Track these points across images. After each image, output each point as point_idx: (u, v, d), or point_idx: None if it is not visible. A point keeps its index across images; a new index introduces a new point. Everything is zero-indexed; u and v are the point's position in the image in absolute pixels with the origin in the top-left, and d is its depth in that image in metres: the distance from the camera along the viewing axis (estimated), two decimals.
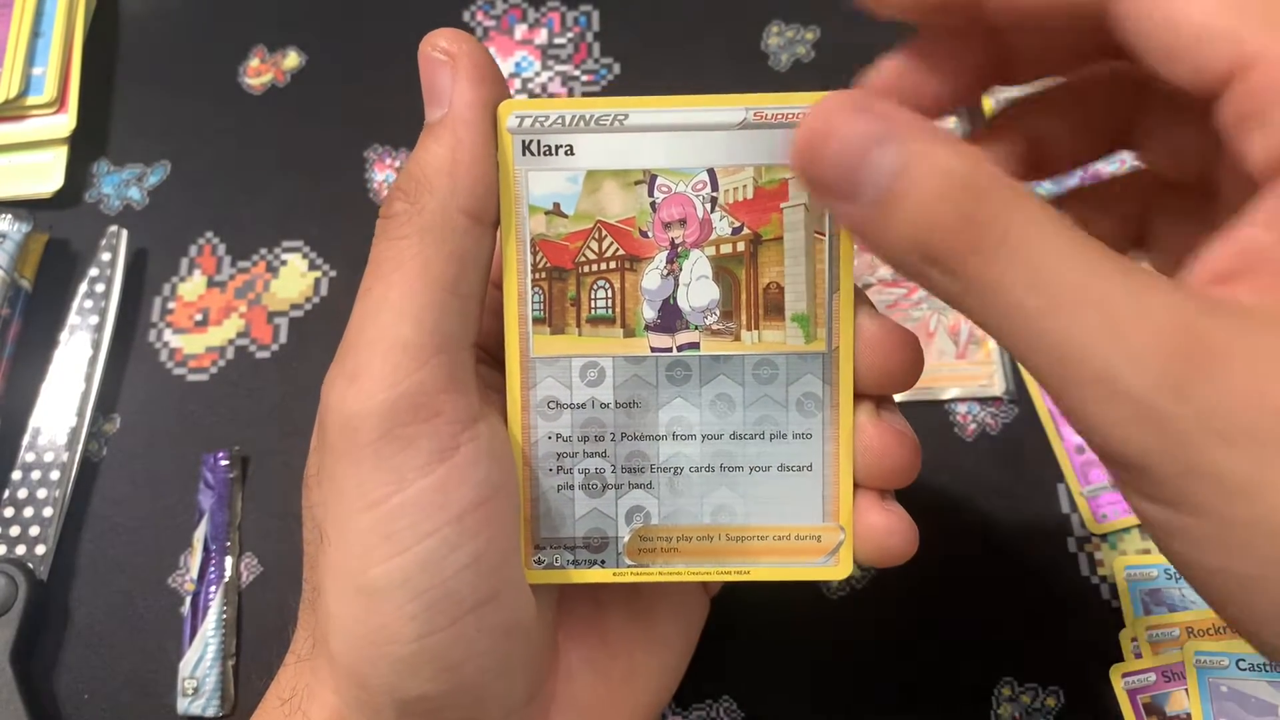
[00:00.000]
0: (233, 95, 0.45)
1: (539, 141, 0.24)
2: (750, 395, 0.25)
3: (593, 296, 0.25)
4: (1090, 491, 0.37)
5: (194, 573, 0.37)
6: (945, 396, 0.39)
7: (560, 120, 0.24)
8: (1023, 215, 0.19)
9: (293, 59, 0.46)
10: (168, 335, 0.41)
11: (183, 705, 0.35)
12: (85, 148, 0.44)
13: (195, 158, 0.44)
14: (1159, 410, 0.18)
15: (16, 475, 0.38)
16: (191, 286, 0.42)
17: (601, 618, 0.29)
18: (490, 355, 0.27)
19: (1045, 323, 0.19)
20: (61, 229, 0.43)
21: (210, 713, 0.35)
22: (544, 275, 0.25)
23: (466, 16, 0.46)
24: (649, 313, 0.25)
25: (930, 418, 0.39)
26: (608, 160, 0.24)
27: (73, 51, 0.45)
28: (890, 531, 0.25)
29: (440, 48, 0.24)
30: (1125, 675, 0.34)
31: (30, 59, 0.44)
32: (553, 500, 0.25)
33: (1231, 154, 0.20)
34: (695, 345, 0.25)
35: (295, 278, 0.42)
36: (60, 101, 0.44)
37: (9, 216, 0.41)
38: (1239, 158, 0.19)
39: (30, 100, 0.43)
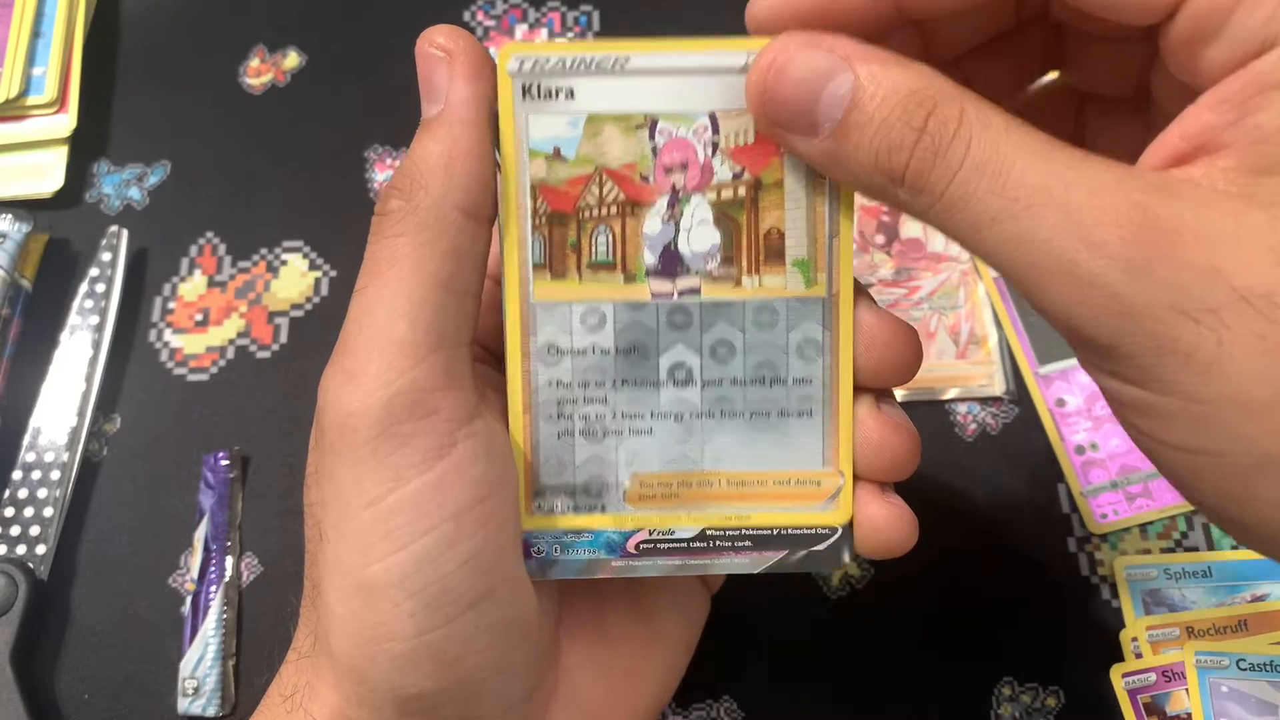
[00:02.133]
0: (233, 95, 0.45)
1: (539, 85, 0.24)
2: (751, 341, 0.25)
3: (594, 242, 0.24)
4: (1090, 491, 0.37)
5: (194, 573, 0.37)
6: (945, 396, 0.39)
7: (560, 64, 0.23)
8: (979, 123, 0.20)
9: (293, 59, 0.46)
10: (168, 335, 0.41)
11: (183, 705, 0.35)
12: (85, 148, 0.44)
13: (195, 158, 0.44)
14: (1122, 292, 0.19)
15: (16, 475, 0.38)
16: (192, 286, 0.42)
17: (602, 615, 0.29)
18: (489, 353, 0.27)
19: (1009, 225, 0.19)
20: (62, 229, 0.43)
21: (210, 713, 0.35)
22: (544, 221, 0.24)
23: (467, 16, 0.46)
24: (650, 258, 0.24)
25: (930, 418, 0.39)
26: (609, 104, 0.24)
27: (73, 51, 0.45)
28: (891, 522, 0.25)
29: (437, 44, 0.24)
30: (1125, 675, 0.34)
31: (30, 59, 0.44)
32: (553, 446, 0.25)
33: (1177, 69, 0.21)
34: (696, 291, 0.25)
35: (295, 278, 0.42)
36: (60, 101, 0.44)
37: (9, 216, 0.41)
38: (1188, 73, 0.20)
39: (30, 100, 0.43)
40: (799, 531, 0.25)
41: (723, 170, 0.24)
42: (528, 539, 0.26)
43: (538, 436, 0.25)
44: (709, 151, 0.24)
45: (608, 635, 0.29)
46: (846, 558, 0.25)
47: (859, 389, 0.25)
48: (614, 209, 0.24)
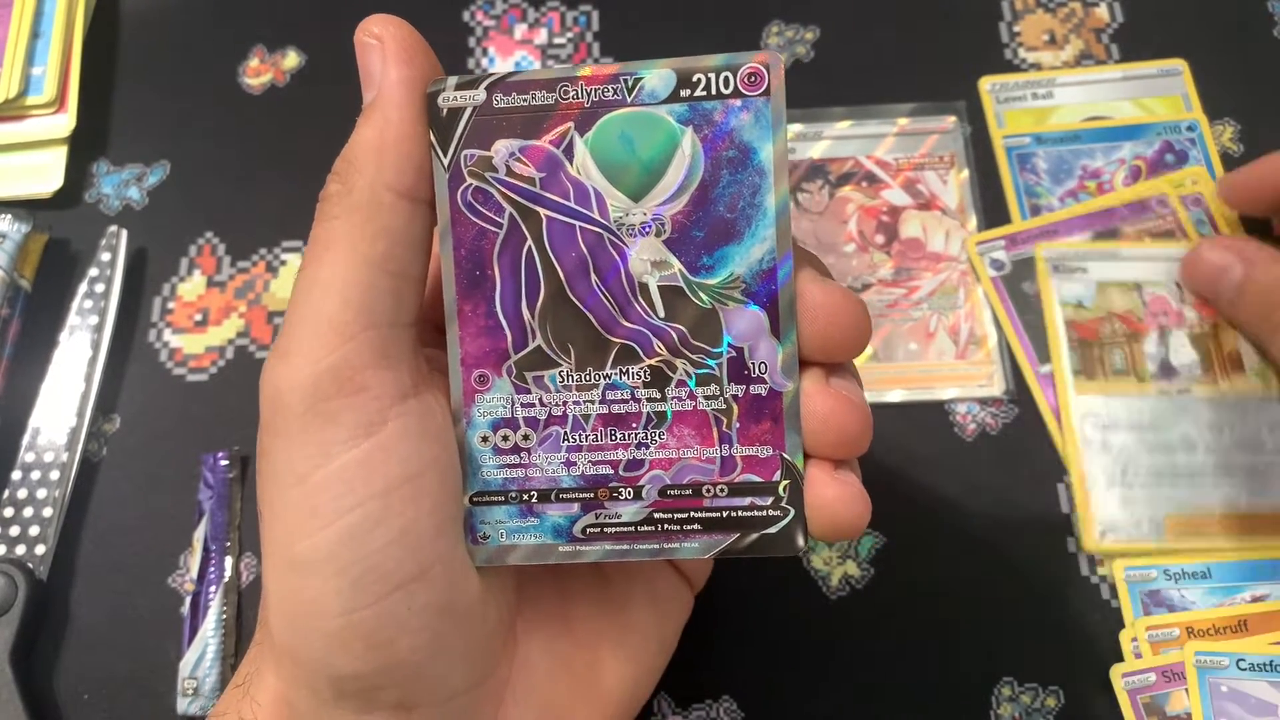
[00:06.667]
0: (233, 95, 0.45)
1: (1063, 265, 0.39)
2: (1236, 421, 0.38)
3: (1112, 357, 0.39)
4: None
5: (194, 573, 0.37)
6: (945, 396, 0.39)
7: (1076, 254, 0.36)
8: None
9: (293, 59, 0.46)
10: (167, 335, 0.41)
11: (183, 705, 0.35)
12: (85, 148, 0.44)
13: (195, 158, 0.44)
14: None
15: (16, 475, 0.38)
16: (191, 286, 0.42)
17: (567, 606, 0.28)
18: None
19: None
20: (61, 229, 0.43)
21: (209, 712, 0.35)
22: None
23: (466, 16, 0.46)
24: (1152, 367, 0.39)
25: (930, 418, 0.39)
26: (1112, 276, 0.39)
27: (73, 51, 0.45)
28: (840, 501, 0.24)
29: (371, 33, 0.24)
30: (1125, 675, 0.34)
31: (30, 59, 0.44)
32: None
33: None
34: (1188, 390, 0.38)
35: (295, 277, 0.42)
36: (60, 101, 0.44)
37: (9, 216, 0.41)
38: None
39: (30, 100, 0.43)
40: (750, 514, 0.25)
41: (1190, 315, 0.38)
42: (472, 524, 0.25)
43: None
44: (1179, 303, 0.39)
45: (572, 628, 0.28)
46: (801, 542, 0.25)
47: (806, 363, 0.25)
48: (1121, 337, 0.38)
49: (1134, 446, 0.37)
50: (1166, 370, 0.38)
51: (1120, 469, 0.37)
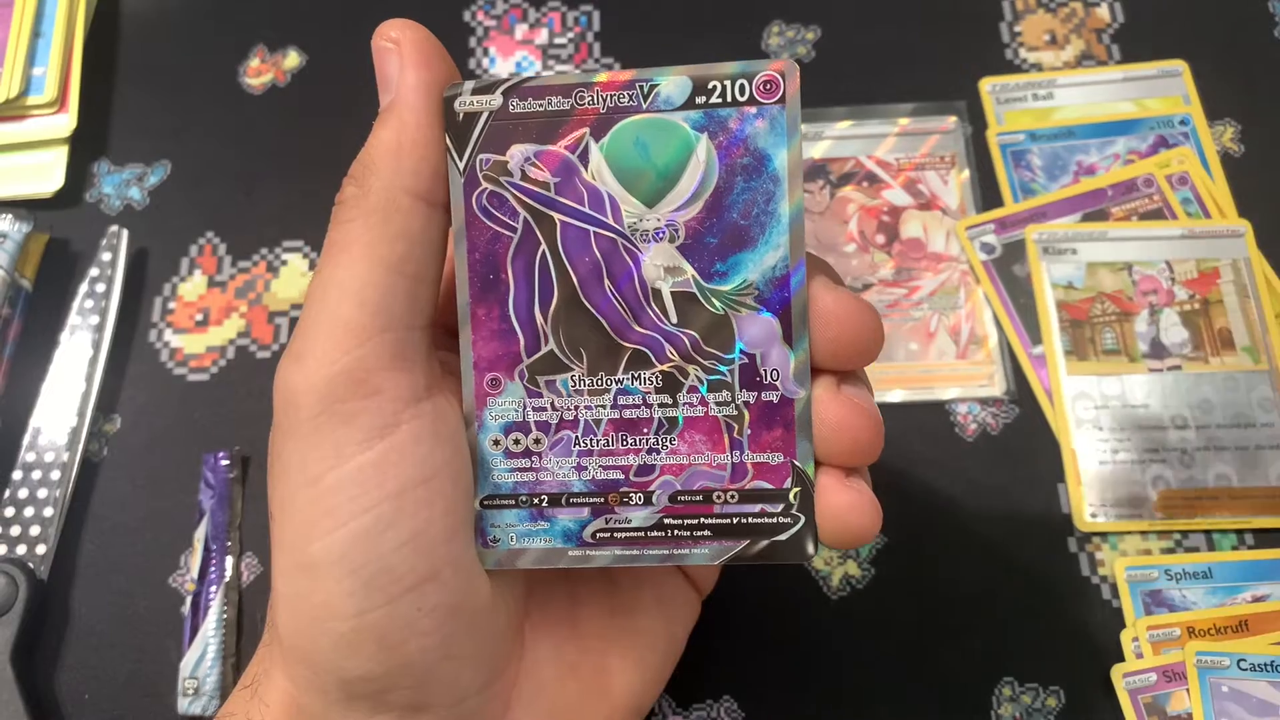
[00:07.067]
0: (233, 95, 0.45)
1: (1054, 247, 0.38)
2: (1225, 399, 0.38)
3: (1103, 337, 0.39)
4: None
5: (194, 573, 0.37)
6: (945, 396, 0.39)
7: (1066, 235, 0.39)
8: None
9: (293, 59, 0.46)
10: (168, 335, 0.41)
11: (183, 705, 0.35)
12: (85, 148, 0.44)
13: (195, 158, 0.44)
14: None
15: (17, 475, 0.38)
16: (192, 286, 0.42)
17: (575, 610, 0.28)
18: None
19: None
20: (62, 229, 0.43)
21: (210, 712, 0.35)
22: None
23: (467, 16, 0.46)
24: (1143, 346, 0.39)
25: (930, 418, 0.39)
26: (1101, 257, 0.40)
27: (73, 51, 0.45)
28: (851, 509, 0.24)
29: (389, 37, 0.24)
30: (1126, 675, 0.34)
31: (30, 59, 0.44)
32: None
33: None
34: (1178, 367, 0.38)
35: (295, 277, 0.42)
36: (60, 101, 0.44)
37: (9, 216, 0.41)
38: None
39: (30, 100, 0.43)
40: (760, 521, 0.25)
41: (1180, 293, 0.38)
42: (483, 527, 0.25)
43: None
44: (1169, 282, 0.39)
45: (580, 632, 0.28)
46: (811, 549, 0.25)
47: (818, 370, 0.25)
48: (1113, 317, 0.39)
49: (1125, 425, 0.37)
50: (1157, 349, 0.38)
51: (1112, 448, 0.37)
